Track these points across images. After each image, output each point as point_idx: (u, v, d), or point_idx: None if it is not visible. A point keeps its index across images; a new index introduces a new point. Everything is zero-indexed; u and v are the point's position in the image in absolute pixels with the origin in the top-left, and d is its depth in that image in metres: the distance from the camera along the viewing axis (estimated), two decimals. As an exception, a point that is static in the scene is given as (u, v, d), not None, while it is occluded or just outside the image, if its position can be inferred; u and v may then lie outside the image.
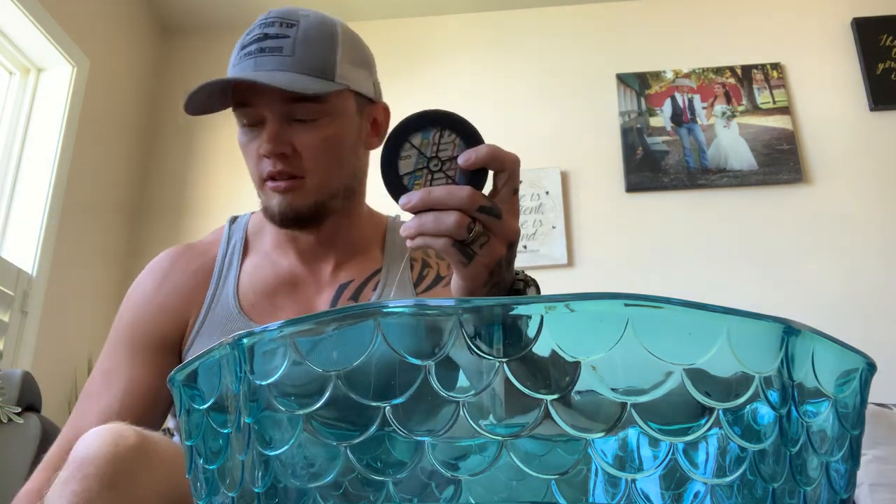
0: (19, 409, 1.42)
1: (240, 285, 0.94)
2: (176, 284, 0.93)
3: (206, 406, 0.39)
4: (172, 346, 0.91)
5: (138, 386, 0.87)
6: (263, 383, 0.35)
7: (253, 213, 1.03)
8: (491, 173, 0.59)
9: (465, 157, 0.57)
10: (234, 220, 1.03)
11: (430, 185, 0.57)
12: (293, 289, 0.94)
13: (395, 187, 0.57)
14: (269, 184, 0.87)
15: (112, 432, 0.60)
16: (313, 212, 0.89)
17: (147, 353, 0.90)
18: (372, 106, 0.95)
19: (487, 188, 0.60)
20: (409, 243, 0.57)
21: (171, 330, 0.91)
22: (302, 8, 0.90)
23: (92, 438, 0.60)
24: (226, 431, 0.37)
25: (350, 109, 0.91)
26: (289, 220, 0.88)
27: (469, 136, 0.58)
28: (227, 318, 0.90)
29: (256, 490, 0.36)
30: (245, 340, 0.36)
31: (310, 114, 0.86)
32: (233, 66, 0.88)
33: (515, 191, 0.60)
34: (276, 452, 0.35)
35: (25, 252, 2.20)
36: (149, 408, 0.87)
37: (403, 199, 0.57)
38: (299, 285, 0.94)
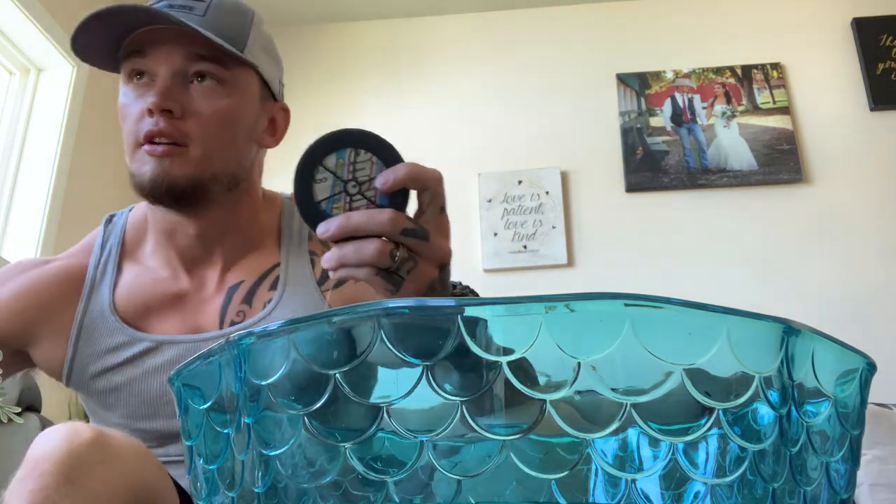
0: (19, 409, 1.41)
1: (116, 297, 0.85)
2: (30, 290, 0.84)
3: (206, 406, 0.39)
4: (7, 346, 0.81)
5: None
6: (263, 383, 0.35)
7: (131, 210, 0.93)
8: (414, 192, 0.55)
9: (383, 180, 0.52)
10: (109, 219, 0.93)
11: (350, 209, 0.53)
12: (178, 301, 0.86)
13: (312, 214, 0.53)
14: (146, 147, 0.77)
15: (67, 429, 0.60)
16: (189, 187, 0.78)
17: None
18: (273, 102, 0.89)
19: (413, 207, 0.56)
20: (330, 274, 0.54)
21: (11, 336, 0.82)
22: None
23: (47, 437, 0.60)
24: (226, 431, 0.37)
25: (252, 91, 0.84)
26: (158, 190, 0.77)
27: (386, 154, 0.54)
28: (106, 332, 0.83)
29: (256, 490, 0.36)
30: (245, 340, 0.36)
31: (212, 73, 0.78)
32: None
33: (442, 208, 0.57)
34: (276, 452, 0.35)
35: (25, 252, 2.20)
36: None
37: (321, 227, 0.52)
38: (183, 298, 0.86)
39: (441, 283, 0.57)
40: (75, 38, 0.77)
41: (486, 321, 0.32)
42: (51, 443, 0.59)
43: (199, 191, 0.79)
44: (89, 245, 0.90)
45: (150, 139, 0.77)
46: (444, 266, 0.57)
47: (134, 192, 0.81)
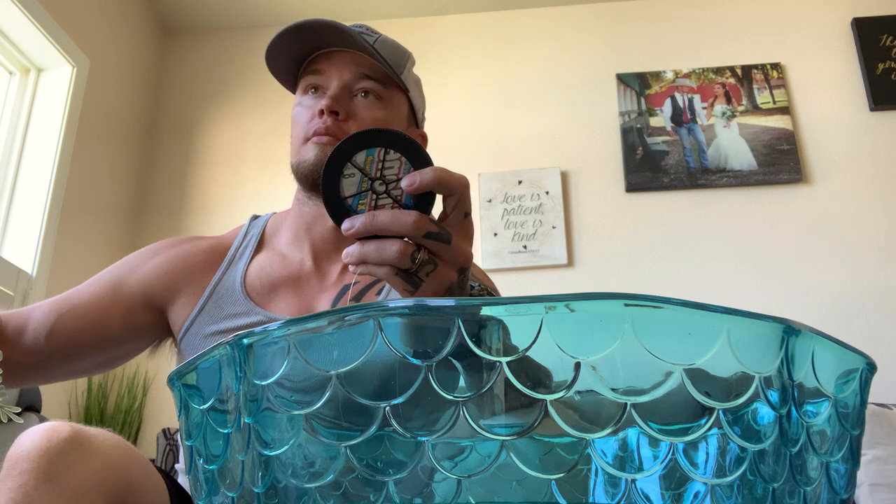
0: (19, 409, 1.41)
1: (248, 273, 0.96)
2: (182, 254, 0.97)
3: (205, 406, 0.39)
4: (152, 305, 0.94)
5: (94, 308, 0.90)
6: (263, 383, 0.35)
7: (274, 213, 1.06)
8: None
9: (410, 181, 0.53)
10: (254, 218, 1.06)
11: (375, 207, 0.53)
12: (297, 284, 0.95)
13: (337, 209, 0.54)
14: (313, 139, 0.90)
15: (46, 429, 0.61)
16: None
17: (121, 293, 0.93)
18: (415, 128, 1.03)
19: (438, 208, 0.57)
20: (350, 269, 0.55)
21: (158, 290, 0.94)
22: None
23: (27, 437, 0.61)
24: (226, 431, 0.37)
25: (403, 111, 0.98)
26: (320, 171, 0.91)
27: (415, 155, 0.54)
28: (231, 300, 0.93)
29: (256, 490, 0.36)
30: (245, 340, 0.36)
31: (373, 90, 0.92)
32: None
33: (467, 213, 0.58)
34: (276, 452, 0.35)
35: (25, 252, 2.20)
36: (91, 332, 0.89)
37: (346, 223, 0.53)
38: (304, 282, 0.95)
39: (459, 287, 0.58)
40: (270, 51, 0.92)
41: (499, 322, 0.32)
42: (30, 442, 0.60)
43: None
44: (235, 232, 1.03)
45: (316, 134, 0.90)
46: (463, 270, 0.57)
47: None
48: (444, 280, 0.55)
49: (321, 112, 0.90)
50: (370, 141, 0.53)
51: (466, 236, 0.58)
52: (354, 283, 0.96)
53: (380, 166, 0.54)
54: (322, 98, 0.92)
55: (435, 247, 0.54)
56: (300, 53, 0.94)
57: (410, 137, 0.54)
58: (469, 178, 2.71)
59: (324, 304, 0.94)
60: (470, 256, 0.57)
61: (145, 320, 0.93)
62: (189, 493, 0.90)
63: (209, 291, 0.94)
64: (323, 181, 0.54)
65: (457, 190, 0.56)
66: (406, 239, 0.53)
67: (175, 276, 0.94)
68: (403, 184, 0.53)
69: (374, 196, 0.53)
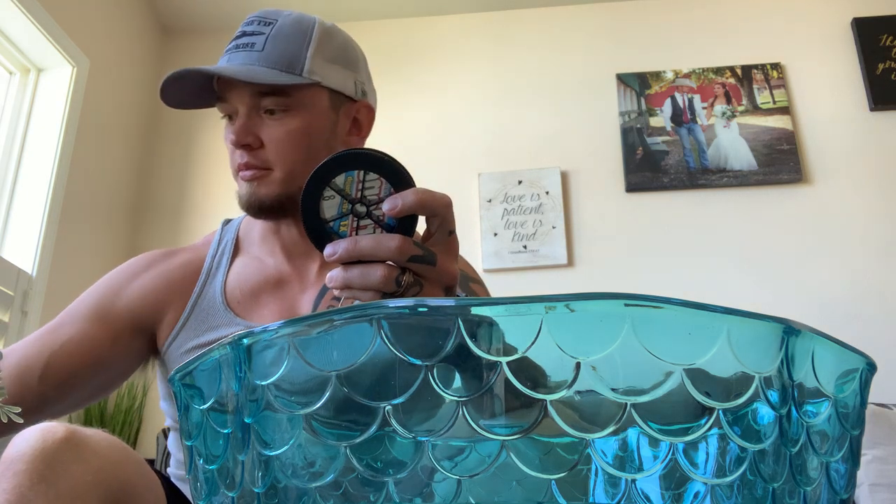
0: (19, 409, 1.42)
1: (227, 283, 0.95)
2: (162, 273, 0.95)
3: (206, 406, 0.39)
4: (141, 328, 0.92)
5: (86, 342, 0.88)
6: (263, 383, 0.35)
7: (245, 216, 1.04)
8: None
9: (392, 205, 0.52)
10: (226, 222, 1.05)
11: (357, 230, 0.52)
12: (278, 287, 0.95)
13: (318, 233, 0.52)
14: (241, 174, 0.90)
15: (41, 430, 0.61)
16: (277, 203, 0.90)
17: (109, 321, 0.90)
18: (351, 104, 0.95)
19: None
20: (335, 293, 0.54)
21: (146, 313, 0.92)
22: (285, 9, 0.93)
23: (22, 437, 0.61)
24: (226, 431, 0.37)
25: (321, 104, 0.92)
26: (253, 208, 0.90)
27: (396, 176, 0.52)
28: (212, 313, 0.92)
29: (256, 490, 0.36)
30: (245, 340, 0.36)
31: (277, 105, 0.88)
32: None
33: (451, 231, 0.57)
34: (276, 452, 0.35)
35: (25, 252, 2.20)
36: (86, 367, 0.87)
37: (328, 249, 0.52)
38: (284, 284, 0.95)
39: None
40: (163, 95, 0.89)
41: (494, 323, 0.32)
42: (25, 443, 0.60)
43: (287, 203, 0.90)
44: (208, 241, 1.02)
45: (239, 171, 0.90)
46: (450, 289, 0.57)
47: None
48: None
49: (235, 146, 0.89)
50: (349, 163, 0.52)
51: (451, 254, 0.57)
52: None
53: (360, 188, 0.52)
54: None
55: (420, 269, 0.53)
56: (199, 84, 0.91)
57: (391, 158, 0.53)
58: (469, 178, 2.72)
59: (306, 302, 0.93)
60: (455, 274, 0.56)
61: (135, 344, 0.92)
62: (178, 489, 0.90)
63: (190, 306, 0.93)
64: (302, 204, 0.53)
65: (440, 210, 0.55)
66: (390, 263, 0.52)
67: (158, 295, 0.93)
68: (385, 207, 0.52)
69: (356, 219, 0.52)
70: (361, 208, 0.52)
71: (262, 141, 0.89)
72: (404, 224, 0.53)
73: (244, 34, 0.90)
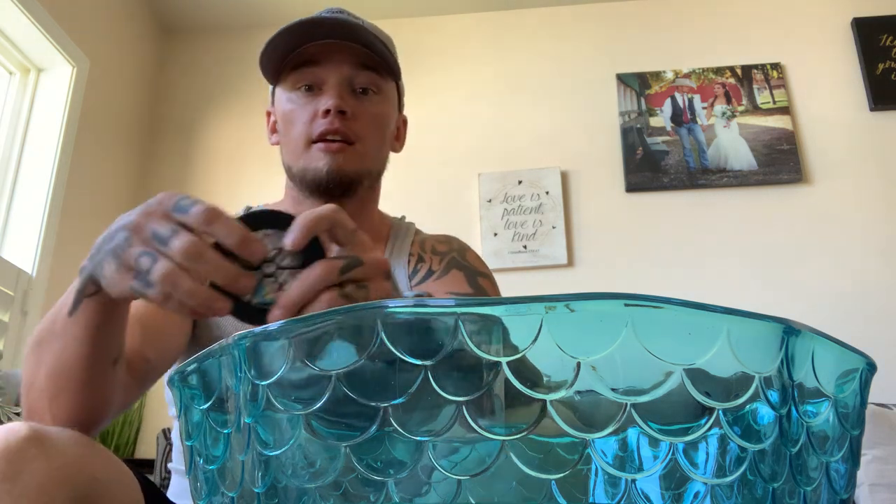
0: (19, 409, 1.42)
1: None
2: None
3: (206, 406, 0.39)
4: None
5: (156, 313, 0.85)
6: (263, 383, 0.35)
7: (266, 205, 1.03)
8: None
9: (290, 239, 0.52)
10: (248, 209, 1.03)
11: (279, 286, 0.51)
12: None
13: (252, 315, 0.51)
14: (320, 144, 0.87)
15: (4, 429, 0.61)
16: (355, 179, 0.89)
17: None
18: (399, 113, 1.01)
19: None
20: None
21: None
22: None
23: None
24: (226, 431, 0.37)
25: (394, 101, 0.96)
26: (334, 181, 0.87)
27: (275, 222, 0.52)
28: None
29: (256, 490, 0.36)
30: (245, 340, 0.36)
31: (370, 83, 0.89)
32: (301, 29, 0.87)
33: (353, 231, 0.57)
34: (276, 452, 0.35)
35: (25, 252, 2.20)
36: (163, 342, 0.84)
37: (270, 317, 0.50)
38: None
39: (395, 289, 0.58)
40: (265, 51, 0.87)
41: (499, 321, 0.32)
42: None
43: (359, 181, 0.90)
44: None
45: (323, 137, 0.86)
46: (388, 274, 0.57)
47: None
48: (382, 294, 0.55)
49: (325, 112, 0.86)
50: None
51: (365, 246, 0.57)
52: None
53: None
54: (320, 96, 0.88)
55: (354, 274, 0.53)
56: (290, 45, 0.89)
57: (258, 210, 0.53)
58: (469, 178, 2.72)
59: None
60: (384, 260, 0.57)
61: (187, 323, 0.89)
62: (160, 488, 0.90)
63: None
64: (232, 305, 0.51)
65: (331, 217, 0.55)
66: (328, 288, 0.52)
67: None
68: (286, 242, 0.51)
69: (273, 279, 0.52)
70: (269, 267, 0.52)
71: (353, 113, 0.88)
72: (313, 253, 0.52)
73: (341, 11, 0.90)
